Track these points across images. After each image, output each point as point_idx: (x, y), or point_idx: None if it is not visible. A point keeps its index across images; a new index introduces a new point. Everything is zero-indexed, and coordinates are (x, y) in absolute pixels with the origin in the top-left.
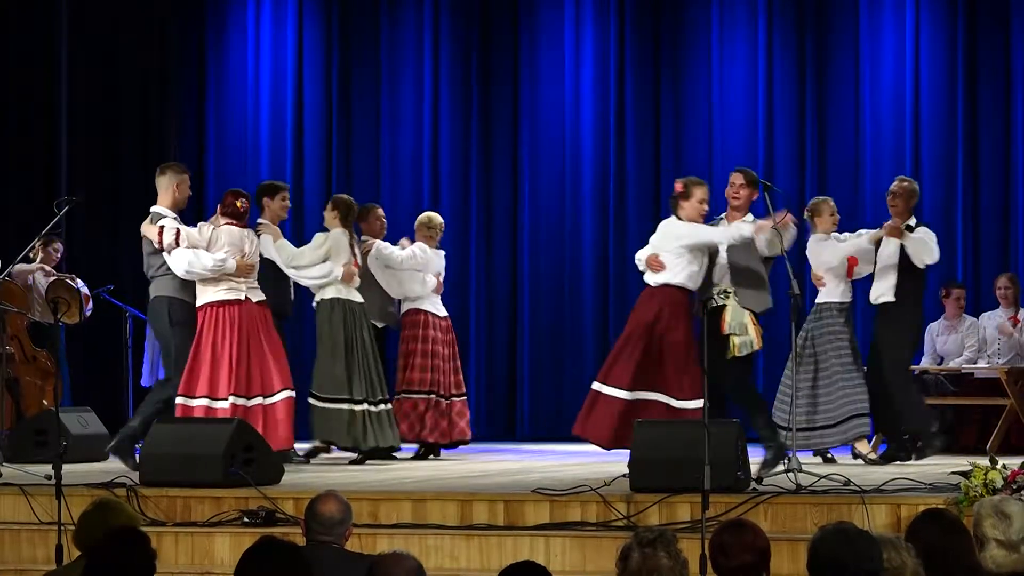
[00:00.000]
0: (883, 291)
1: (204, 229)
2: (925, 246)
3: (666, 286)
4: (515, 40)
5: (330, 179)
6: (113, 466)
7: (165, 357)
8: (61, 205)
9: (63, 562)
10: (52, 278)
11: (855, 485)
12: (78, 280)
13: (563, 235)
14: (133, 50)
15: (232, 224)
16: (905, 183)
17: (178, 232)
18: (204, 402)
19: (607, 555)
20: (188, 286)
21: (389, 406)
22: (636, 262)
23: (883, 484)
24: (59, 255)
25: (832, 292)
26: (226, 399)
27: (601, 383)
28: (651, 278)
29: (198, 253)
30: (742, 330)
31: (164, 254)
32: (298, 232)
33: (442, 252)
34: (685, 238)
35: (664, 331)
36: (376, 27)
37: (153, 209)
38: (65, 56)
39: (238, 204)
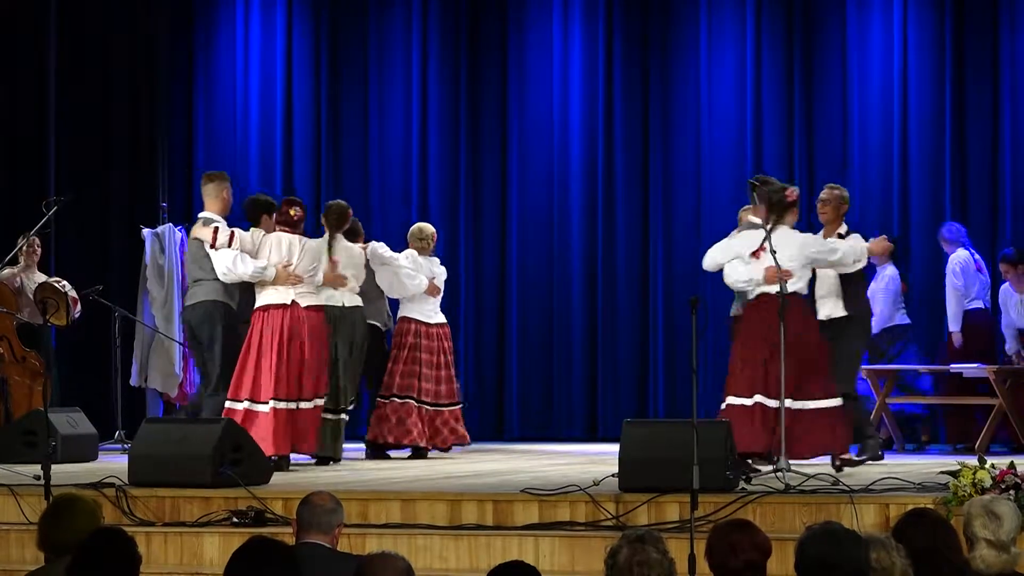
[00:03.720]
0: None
1: (256, 234)
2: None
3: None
4: (503, 40)
5: (319, 180)
6: (102, 466)
7: (210, 361)
8: (50, 205)
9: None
10: (40, 279)
11: (844, 485)
12: (66, 284)
13: (551, 235)
14: (122, 51)
15: (285, 231)
16: (835, 190)
17: (232, 234)
18: (246, 405)
19: (596, 555)
20: (233, 291)
21: (342, 416)
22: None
23: (871, 484)
24: (36, 252)
25: None
26: (266, 403)
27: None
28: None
29: (242, 257)
30: None
31: (211, 251)
32: None
33: (436, 260)
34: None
35: None
36: (365, 28)
37: (202, 215)
38: (54, 57)
39: (291, 213)
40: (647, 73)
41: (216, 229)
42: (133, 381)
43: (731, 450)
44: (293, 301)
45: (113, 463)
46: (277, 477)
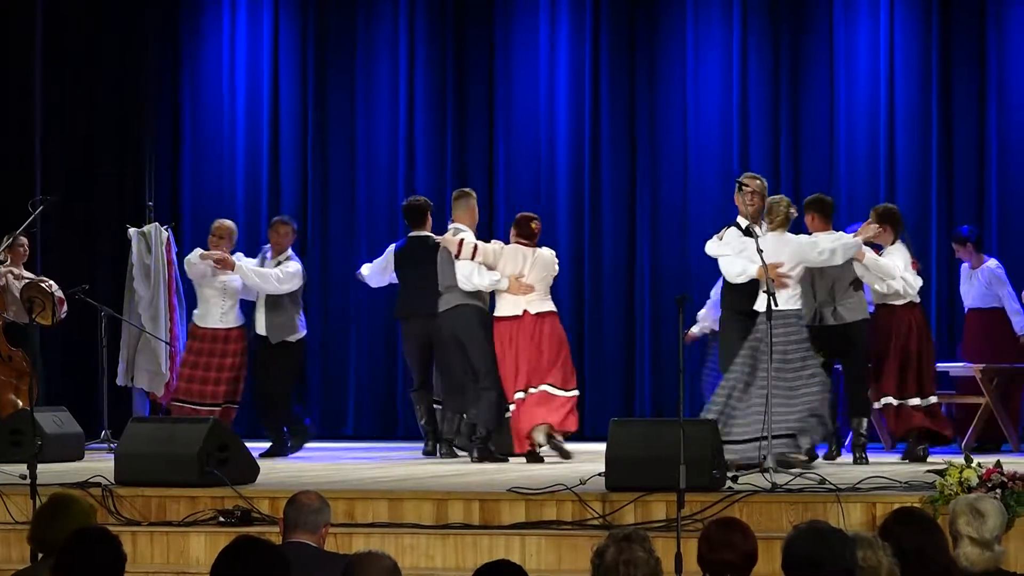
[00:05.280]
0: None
1: (497, 246)
2: None
3: None
4: (490, 39)
5: (306, 178)
6: (88, 465)
7: (478, 360)
8: (36, 205)
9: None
10: (26, 279)
11: (830, 484)
12: (52, 284)
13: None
14: (109, 49)
15: (522, 243)
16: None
17: (476, 247)
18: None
19: (582, 554)
20: (484, 295)
21: None
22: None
23: (858, 483)
24: (25, 251)
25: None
26: (525, 391)
27: None
28: None
29: (480, 270)
30: None
31: (457, 261)
32: None
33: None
34: None
35: None
36: (352, 26)
37: (453, 225)
38: (40, 56)
39: (532, 227)
40: (633, 73)
41: (462, 241)
42: (119, 380)
43: (717, 449)
44: (524, 311)
45: (99, 462)
46: (264, 476)
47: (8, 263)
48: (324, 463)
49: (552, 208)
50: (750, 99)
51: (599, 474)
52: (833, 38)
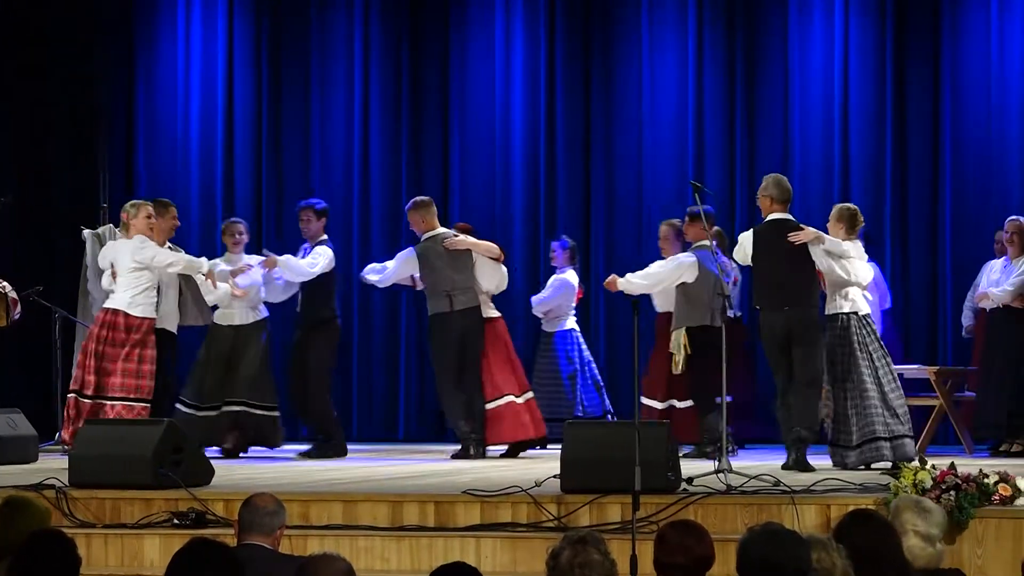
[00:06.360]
0: None
1: None
2: None
3: None
4: (445, 39)
5: (260, 178)
6: (42, 467)
7: (475, 359)
8: None
9: None
10: None
11: (785, 486)
12: (6, 285)
13: (493, 238)
14: (62, 51)
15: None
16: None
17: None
18: (512, 399)
19: (538, 556)
20: None
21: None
22: None
23: (812, 485)
24: None
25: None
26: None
27: None
28: None
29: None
30: (677, 349)
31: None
32: None
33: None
34: None
35: None
36: (307, 27)
37: (451, 229)
38: None
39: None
40: (589, 75)
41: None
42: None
43: (673, 451)
44: (499, 315)
45: (53, 464)
46: (218, 478)
47: None
48: (279, 465)
49: (507, 212)
50: (705, 100)
51: (554, 476)
52: (787, 39)
